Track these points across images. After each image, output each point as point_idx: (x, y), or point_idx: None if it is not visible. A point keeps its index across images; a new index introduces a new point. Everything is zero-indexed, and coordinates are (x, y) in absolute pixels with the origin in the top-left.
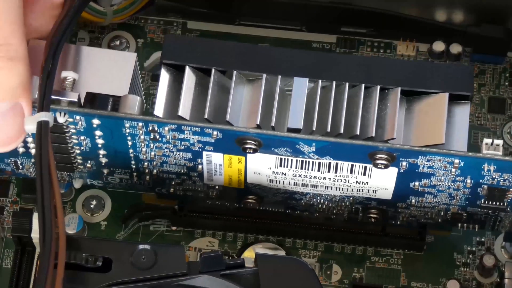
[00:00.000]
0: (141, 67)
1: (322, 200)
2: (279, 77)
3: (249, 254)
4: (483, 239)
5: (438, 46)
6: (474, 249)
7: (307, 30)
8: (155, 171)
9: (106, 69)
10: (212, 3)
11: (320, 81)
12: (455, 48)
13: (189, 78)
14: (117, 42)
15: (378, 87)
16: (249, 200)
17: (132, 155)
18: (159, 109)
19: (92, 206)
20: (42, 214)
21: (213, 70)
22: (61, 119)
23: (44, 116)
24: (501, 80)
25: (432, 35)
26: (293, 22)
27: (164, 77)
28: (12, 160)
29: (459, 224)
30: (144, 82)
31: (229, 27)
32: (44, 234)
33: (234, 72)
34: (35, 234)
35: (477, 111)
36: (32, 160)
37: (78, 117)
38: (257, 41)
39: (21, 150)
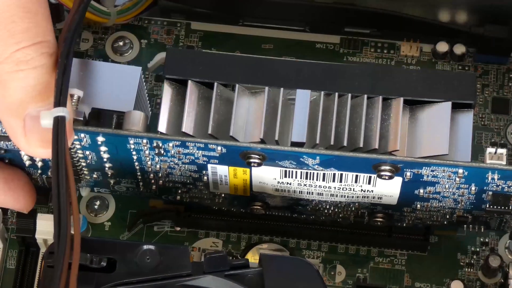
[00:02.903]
0: (144, 68)
1: (328, 206)
2: (282, 89)
3: (253, 255)
4: (487, 240)
5: (442, 46)
6: (478, 249)
7: (310, 31)
8: (161, 181)
9: (111, 83)
10: (216, 4)
11: (322, 92)
12: (459, 49)
13: (192, 92)
14: (121, 43)
15: (381, 97)
16: (256, 207)
17: (137, 167)
18: (162, 124)
19: (96, 206)
20: (58, 212)
21: (215, 84)
22: None
23: (61, 111)
24: (504, 81)
25: (435, 35)
26: (297, 22)
27: (167, 92)
28: None
29: (465, 226)
30: (148, 83)
31: (233, 28)
32: (59, 232)
33: (237, 86)
34: (39, 235)
35: (480, 111)
36: (39, 171)
37: (82, 135)
38: (260, 41)
39: (27, 162)
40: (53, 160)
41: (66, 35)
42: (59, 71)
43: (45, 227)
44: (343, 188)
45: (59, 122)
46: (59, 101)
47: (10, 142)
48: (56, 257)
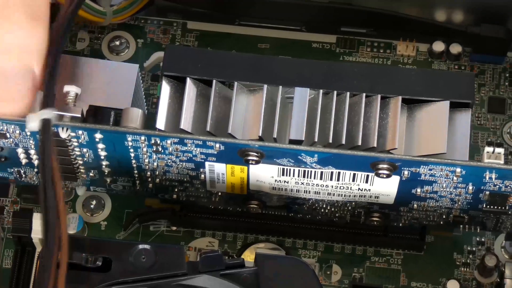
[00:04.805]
0: (140, 68)
1: (324, 205)
2: (280, 87)
3: (249, 254)
4: (483, 239)
5: (438, 46)
6: (474, 249)
7: (307, 30)
8: (157, 179)
9: (108, 81)
10: (212, 4)
11: (321, 91)
12: (455, 48)
13: (190, 89)
14: (117, 42)
15: (379, 96)
16: (252, 205)
17: (135, 165)
18: (161, 121)
19: (92, 206)
20: (45, 212)
21: (214, 81)
22: (63, 134)
23: (48, 113)
24: (501, 80)
25: (432, 35)
26: (293, 22)
27: (165, 89)
28: (16, 169)
29: (461, 226)
30: (144, 82)
31: (229, 27)
32: (47, 233)
33: (235, 83)
34: (35, 234)
35: (477, 111)
36: (35, 170)
37: (80, 132)
38: (256, 41)
39: (24, 161)
40: (40, 164)
41: (54, 38)
42: (47, 73)
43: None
44: (340, 186)
45: (45, 125)
46: (47, 102)
47: (6, 140)
48: (45, 258)
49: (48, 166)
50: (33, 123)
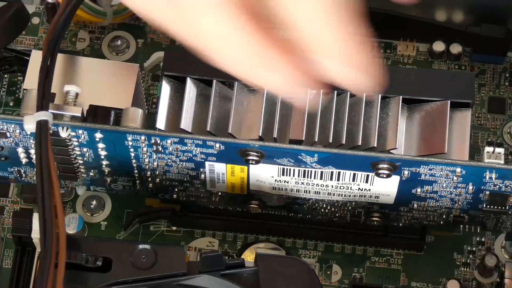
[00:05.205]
0: (141, 67)
1: (324, 205)
2: None
3: (249, 254)
4: (483, 239)
5: (438, 46)
6: (474, 249)
7: None
8: (158, 179)
9: (109, 80)
10: None
11: (321, 90)
12: (455, 48)
13: (191, 89)
14: (118, 42)
15: (379, 95)
16: (252, 205)
17: (135, 164)
18: (161, 121)
19: (92, 206)
20: (42, 213)
21: (214, 81)
22: (63, 134)
23: (44, 115)
24: (501, 80)
25: (432, 35)
26: None
27: (166, 89)
28: (16, 169)
29: (461, 226)
30: (145, 82)
31: None
32: (45, 234)
33: (236, 83)
34: (35, 234)
35: (477, 111)
36: (35, 169)
37: (80, 131)
38: None
39: (24, 160)
40: (36, 164)
41: (50, 38)
42: (42, 74)
43: None
44: (340, 186)
45: (41, 126)
46: (41, 104)
47: (6, 139)
48: (42, 257)
49: (45, 167)
50: (30, 125)
